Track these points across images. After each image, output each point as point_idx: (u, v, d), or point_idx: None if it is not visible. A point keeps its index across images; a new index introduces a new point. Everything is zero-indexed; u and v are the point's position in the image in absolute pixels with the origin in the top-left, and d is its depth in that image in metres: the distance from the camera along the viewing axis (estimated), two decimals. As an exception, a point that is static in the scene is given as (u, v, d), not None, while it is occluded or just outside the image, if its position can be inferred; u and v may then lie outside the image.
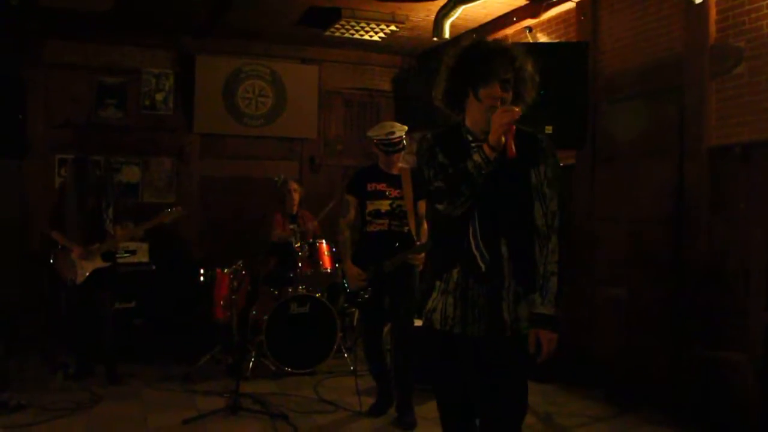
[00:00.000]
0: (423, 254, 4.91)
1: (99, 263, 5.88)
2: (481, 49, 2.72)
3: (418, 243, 4.93)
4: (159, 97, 8.02)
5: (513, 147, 2.56)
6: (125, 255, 6.79)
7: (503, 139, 2.56)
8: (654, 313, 5.34)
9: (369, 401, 5.22)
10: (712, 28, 4.92)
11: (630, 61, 5.68)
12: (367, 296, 4.99)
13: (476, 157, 2.61)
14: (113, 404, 5.31)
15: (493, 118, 2.59)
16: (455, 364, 2.77)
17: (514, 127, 2.57)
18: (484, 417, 2.74)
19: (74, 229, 5.88)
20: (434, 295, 2.78)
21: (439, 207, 2.70)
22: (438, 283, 2.78)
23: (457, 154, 2.73)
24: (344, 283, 5.16)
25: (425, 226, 5.10)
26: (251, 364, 6.21)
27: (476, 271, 2.68)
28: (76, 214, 5.90)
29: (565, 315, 2.73)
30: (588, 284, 5.90)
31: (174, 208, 6.08)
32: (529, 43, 6.36)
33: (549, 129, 4.69)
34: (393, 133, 5.00)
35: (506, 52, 2.69)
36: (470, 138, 2.75)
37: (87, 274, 5.85)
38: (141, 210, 7.04)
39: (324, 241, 6.55)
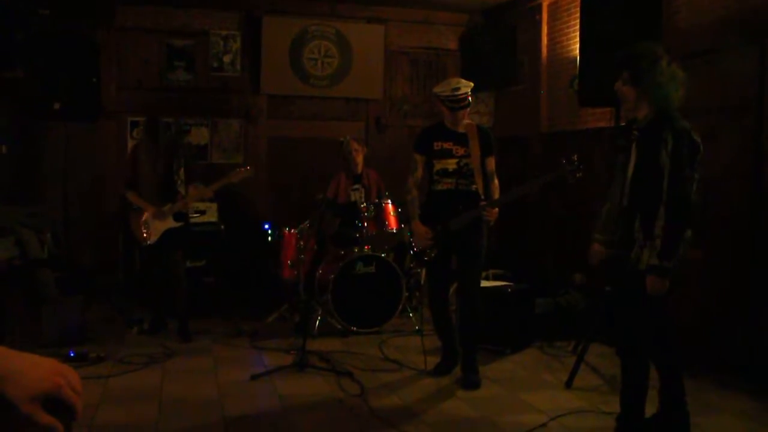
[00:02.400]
0: (497, 209, 4.87)
1: (171, 223, 5.98)
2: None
3: (482, 202, 4.87)
4: (226, 58, 8.09)
5: None
6: (195, 215, 6.91)
7: None
8: (729, 275, 5.17)
9: (434, 360, 5.25)
10: (799, -24, 4.67)
11: (706, 15, 5.43)
12: (433, 255, 4.99)
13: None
14: (185, 358, 5.49)
15: None
16: (611, 283, 4.35)
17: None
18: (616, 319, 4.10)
19: (147, 190, 5.99)
20: None
21: None
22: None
23: None
24: (411, 243, 5.16)
25: (496, 182, 5.04)
26: (317, 322, 6.31)
27: (621, 227, 3.80)
28: (148, 175, 6.00)
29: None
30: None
31: (243, 168, 6.08)
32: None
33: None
34: (459, 89, 4.91)
35: (620, 55, 3.78)
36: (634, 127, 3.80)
37: (159, 234, 5.98)
38: (210, 171, 7.18)
39: (390, 201, 6.53)
